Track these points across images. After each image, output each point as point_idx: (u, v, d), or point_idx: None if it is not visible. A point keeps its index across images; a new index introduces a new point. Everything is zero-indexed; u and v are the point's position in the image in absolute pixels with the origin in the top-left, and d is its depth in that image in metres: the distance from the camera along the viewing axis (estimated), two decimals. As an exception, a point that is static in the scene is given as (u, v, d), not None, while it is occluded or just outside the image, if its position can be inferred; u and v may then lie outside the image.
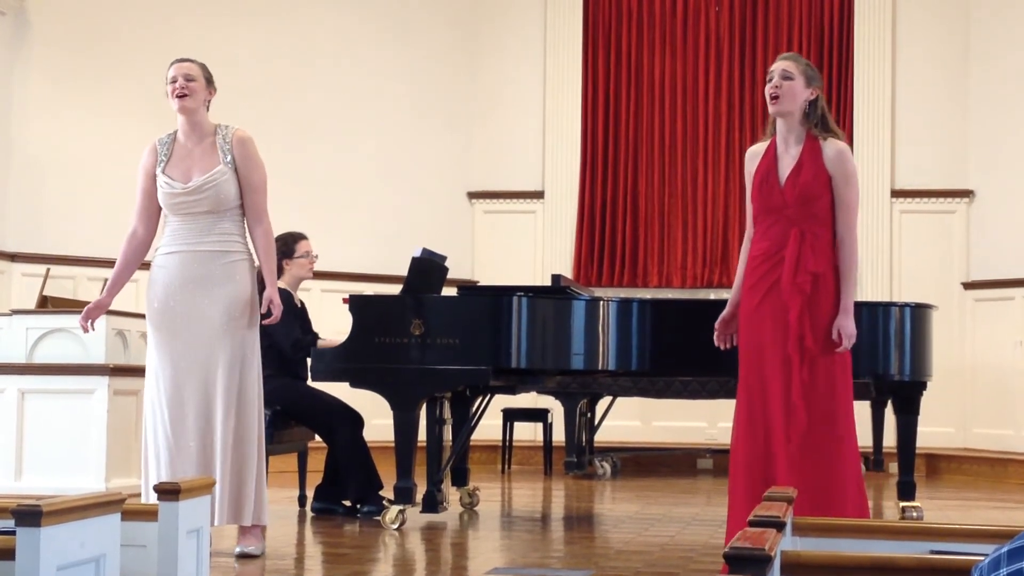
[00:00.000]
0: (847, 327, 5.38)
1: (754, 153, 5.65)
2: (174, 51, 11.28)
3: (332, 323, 8.84)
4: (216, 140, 6.05)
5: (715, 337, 5.73)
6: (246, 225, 6.09)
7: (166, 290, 5.97)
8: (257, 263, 6.13)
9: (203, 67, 6.13)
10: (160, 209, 6.11)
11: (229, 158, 6.01)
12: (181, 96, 6.01)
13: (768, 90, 5.51)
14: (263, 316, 6.06)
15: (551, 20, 12.81)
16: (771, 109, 5.53)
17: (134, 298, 9.74)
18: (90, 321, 6.09)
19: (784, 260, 5.40)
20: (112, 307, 6.37)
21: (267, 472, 6.26)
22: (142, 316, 8.51)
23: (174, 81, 6.04)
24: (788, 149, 5.53)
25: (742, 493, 5.40)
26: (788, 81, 5.49)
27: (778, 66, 5.54)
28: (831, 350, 5.38)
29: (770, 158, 5.54)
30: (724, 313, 5.71)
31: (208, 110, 6.14)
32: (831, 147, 5.48)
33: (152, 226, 6.17)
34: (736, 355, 5.56)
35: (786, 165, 5.49)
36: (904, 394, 7.61)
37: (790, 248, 5.40)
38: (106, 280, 6.29)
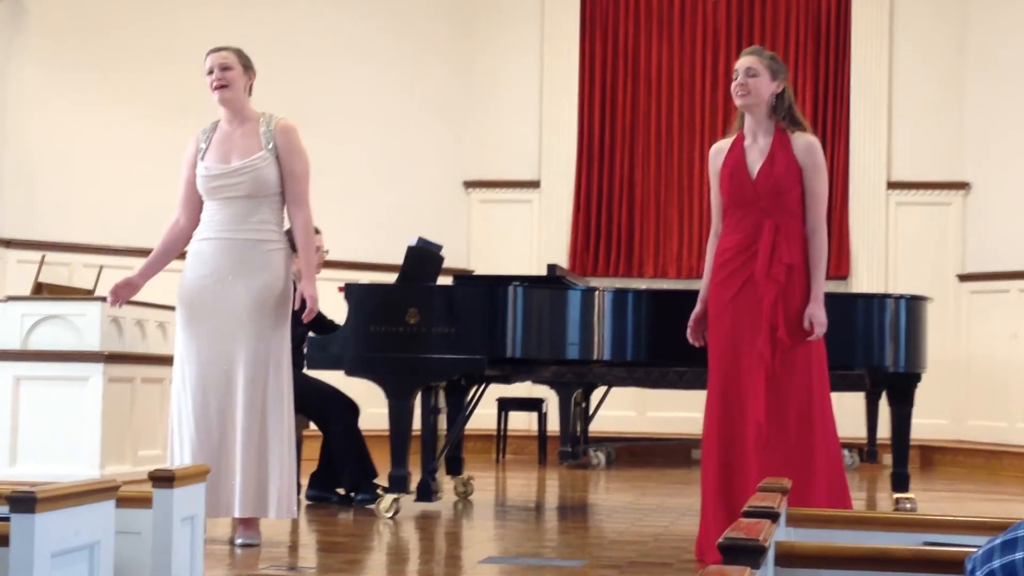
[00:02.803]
0: (818, 315, 5.43)
1: (719, 149, 5.68)
2: (170, 41, 11.39)
3: (328, 312, 8.80)
4: (259, 128, 6.02)
5: (688, 334, 5.76)
6: (286, 213, 6.06)
7: (197, 277, 5.94)
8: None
9: (239, 53, 6.07)
10: (202, 199, 6.06)
11: (271, 145, 5.98)
12: (220, 87, 5.98)
13: (734, 88, 5.55)
14: (299, 311, 5.99)
15: (549, 8, 12.80)
16: (738, 102, 5.57)
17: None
18: (120, 300, 6.07)
19: (758, 252, 5.43)
20: (132, 299, 6.30)
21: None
22: (137, 304, 8.54)
23: (211, 72, 6.00)
24: (756, 142, 5.56)
25: (717, 486, 5.42)
26: (754, 78, 5.52)
27: (742, 63, 5.57)
28: (805, 340, 5.42)
29: (737, 152, 5.57)
30: (696, 311, 5.72)
31: (250, 94, 6.10)
32: (801, 139, 5.53)
33: (195, 216, 6.10)
34: None
35: (755, 158, 5.53)
36: (899, 386, 7.61)
37: (764, 240, 5.43)
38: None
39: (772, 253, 5.42)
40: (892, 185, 12.38)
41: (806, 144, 5.51)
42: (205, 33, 9.75)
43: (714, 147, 5.74)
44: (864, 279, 12.21)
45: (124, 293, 6.08)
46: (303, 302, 5.94)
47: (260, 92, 6.21)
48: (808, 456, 5.35)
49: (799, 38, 12.50)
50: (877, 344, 7.34)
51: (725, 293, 5.50)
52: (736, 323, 5.45)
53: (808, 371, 5.43)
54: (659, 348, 7.35)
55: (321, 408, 7.88)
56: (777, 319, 5.37)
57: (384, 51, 12.53)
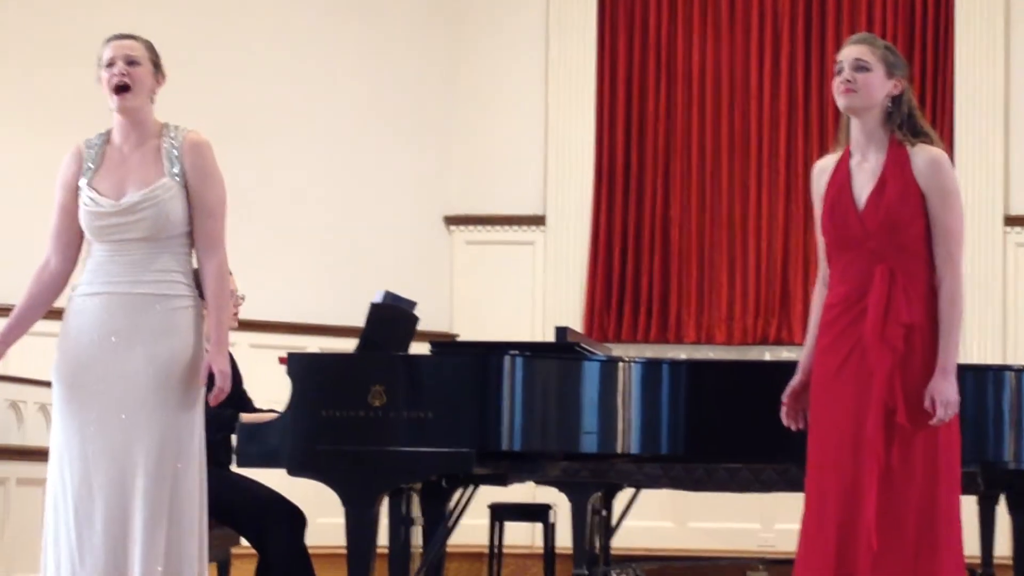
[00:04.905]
0: (944, 392, 5.37)
1: (822, 168, 5.67)
2: (69, 42, 11.37)
3: (265, 389, 8.79)
4: (162, 144, 5.92)
5: (783, 414, 5.72)
6: (195, 260, 5.99)
7: (80, 344, 5.87)
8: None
9: (149, 47, 5.95)
10: (82, 233, 5.98)
11: (177, 168, 5.87)
12: (121, 89, 5.84)
13: (836, 85, 5.52)
14: (207, 388, 5.92)
15: (557, -9, 12.86)
16: (841, 102, 5.53)
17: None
18: None
19: (868, 309, 5.38)
20: (4, 372, 6.28)
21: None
22: (10, 380, 8.49)
23: (111, 65, 5.86)
24: (866, 160, 5.54)
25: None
26: (864, 73, 5.50)
27: (849, 53, 5.56)
28: (928, 424, 5.35)
29: (842, 174, 5.55)
30: (794, 382, 5.68)
31: (153, 103, 5.98)
32: (922, 155, 5.48)
33: (71, 255, 6.03)
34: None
35: (863, 182, 5.51)
36: (1021, 487, 7.59)
37: (875, 292, 5.38)
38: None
39: (886, 310, 5.37)
40: (1011, 220, 12.38)
41: (929, 160, 5.46)
42: (103, 22, 9.76)
43: (817, 165, 5.72)
44: (975, 345, 12.17)
45: None
46: (211, 379, 5.87)
47: (173, 100, 6.15)
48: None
49: (887, 27, 12.52)
50: (993, 432, 7.31)
51: (831, 362, 5.46)
52: (843, 401, 5.40)
53: (934, 465, 5.37)
54: (704, 438, 7.32)
55: (256, 519, 7.83)
56: (895, 398, 5.31)
57: (341, 45, 12.55)
